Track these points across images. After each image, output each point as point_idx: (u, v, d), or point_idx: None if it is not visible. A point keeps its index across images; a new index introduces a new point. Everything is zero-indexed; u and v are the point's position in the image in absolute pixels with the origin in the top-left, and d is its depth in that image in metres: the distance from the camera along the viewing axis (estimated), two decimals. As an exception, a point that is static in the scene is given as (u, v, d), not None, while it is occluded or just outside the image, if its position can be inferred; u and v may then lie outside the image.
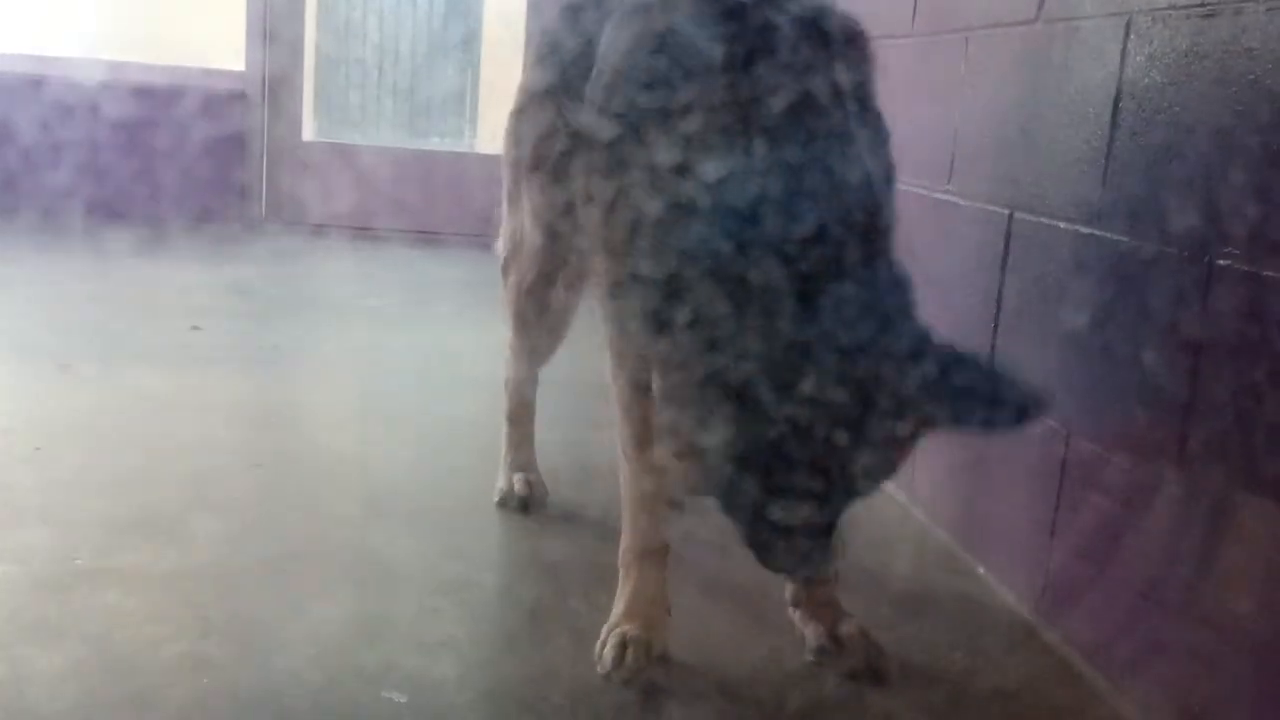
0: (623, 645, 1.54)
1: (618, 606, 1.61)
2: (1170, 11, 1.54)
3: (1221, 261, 1.40)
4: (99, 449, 2.25)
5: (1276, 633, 1.31)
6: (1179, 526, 1.48)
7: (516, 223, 2.01)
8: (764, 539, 1.38)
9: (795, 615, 1.66)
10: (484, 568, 1.87)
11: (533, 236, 1.95)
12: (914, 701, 1.56)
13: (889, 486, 2.32)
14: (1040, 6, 1.87)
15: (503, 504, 2.09)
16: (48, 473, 2.12)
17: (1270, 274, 1.33)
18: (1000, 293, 1.94)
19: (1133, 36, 1.61)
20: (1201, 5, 1.48)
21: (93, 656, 1.49)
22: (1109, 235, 1.65)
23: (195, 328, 3.24)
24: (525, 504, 2.09)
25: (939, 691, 1.60)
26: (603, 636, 1.57)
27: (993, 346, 1.95)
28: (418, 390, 2.55)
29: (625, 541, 1.65)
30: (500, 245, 2.08)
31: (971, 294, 2.02)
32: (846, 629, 1.62)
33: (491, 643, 1.65)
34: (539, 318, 2.03)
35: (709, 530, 2.01)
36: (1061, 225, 1.76)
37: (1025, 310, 1.89)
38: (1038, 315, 1.86)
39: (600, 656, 1.54)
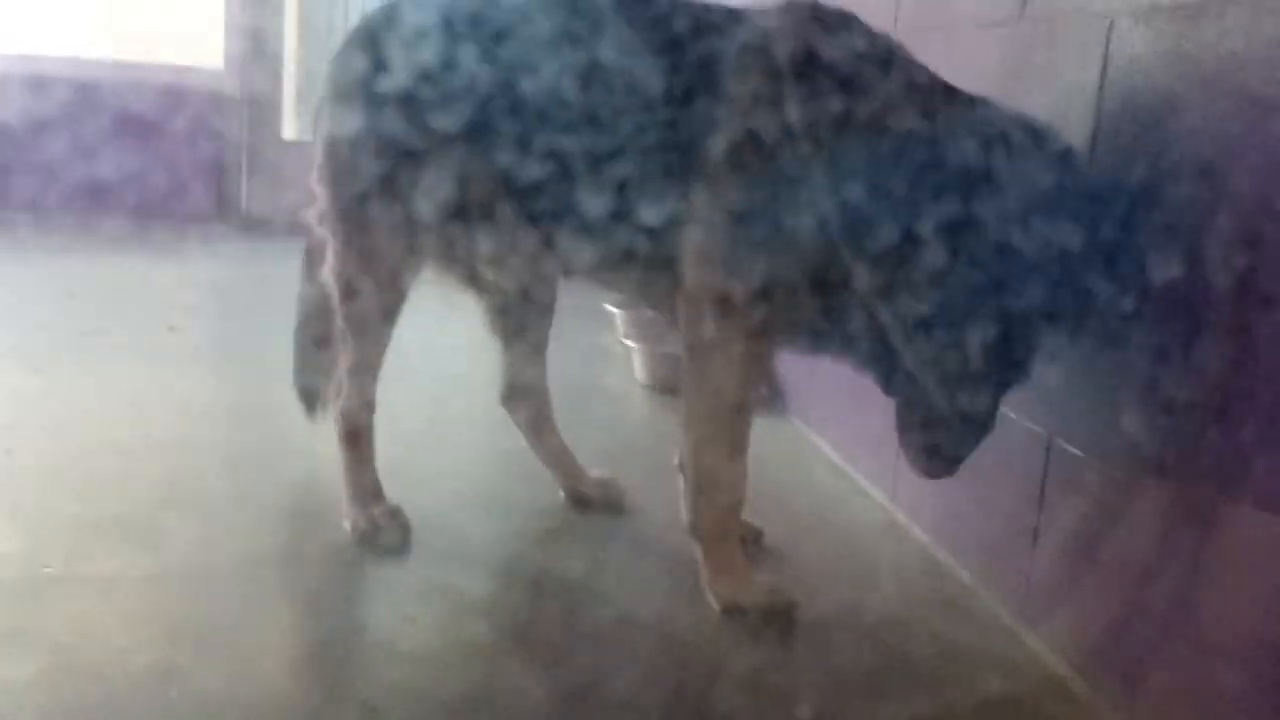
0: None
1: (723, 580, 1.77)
2: (1153, 12, 1.52)
3: (1206, 264, 1.39)
4: (72, 450, 2.22)
5: (1260, 638, 1.30)
6: (1162, 531, 1.47)
7: (361, 244, 1.90)
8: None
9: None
10: (463, 574, 1.85)
11: (392, 253, 1.89)
12: (899, 707, 1.55)
13: (873, 490, 2.32)
14: (1023, 6, 1.85)
15: (364, 544, 1.89)
16: (19, 475, 2.09)
17: (1255, 277, 1.32)
18: (983, 295, 1.92)
19: (1115, 37, 1.60)
20: (1184, 7, 1.46)
21: (61, 665, 1.46)
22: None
23: (171, 327, 3.21)
24: (394, 539, 1.90)
25: (923, 697, 1.58)
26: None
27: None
28: (397, 390, 2.51)
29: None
30: (330, 271, 1.95)
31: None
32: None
33: (469, 652, 1.62)
34: (387, 338, 1.97)
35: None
36: (1044, 227, 1.75)
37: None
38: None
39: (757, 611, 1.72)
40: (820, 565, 2.00)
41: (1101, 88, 1.62)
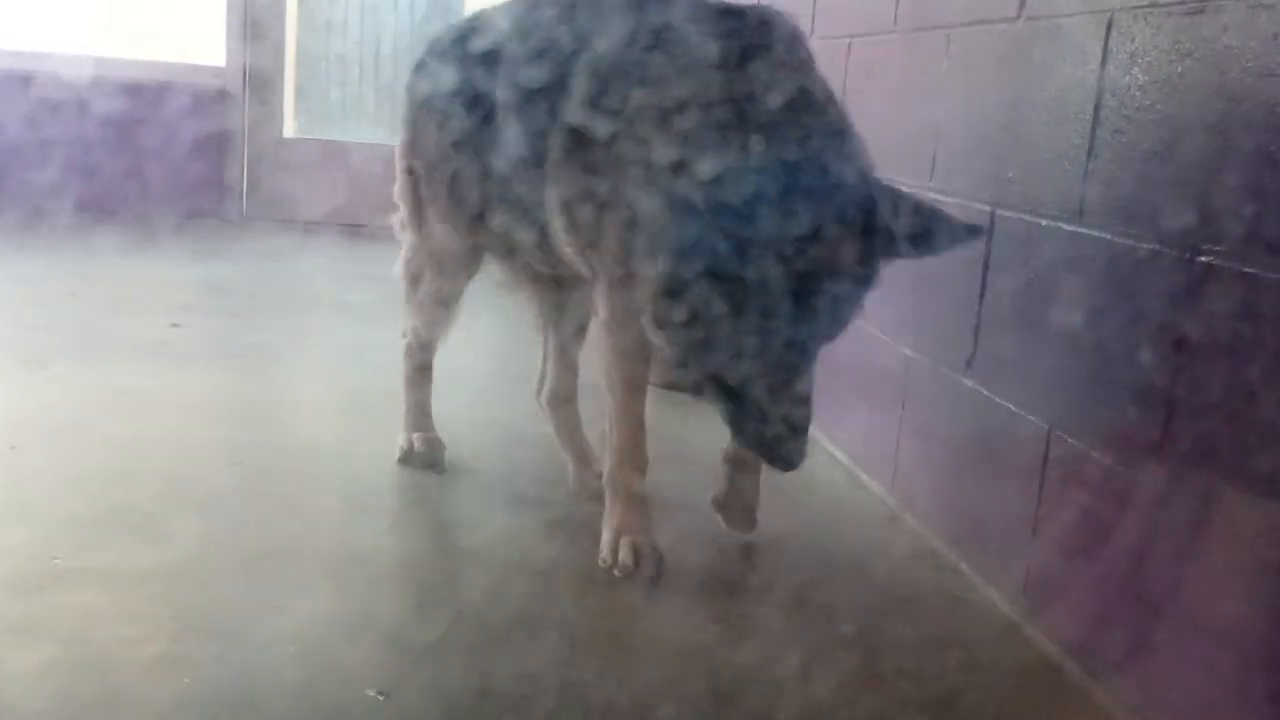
0: (634, 549, 1.82)
1: (611, 522, 1.85)
2: (1152, 9, 1.54)
3: (1204, 258, 1.40)
4: (76, 447, 2.23)
5: (1257, 627, 1.31)
6: (1161, 522, 1.49)
7: (426, 225, 2.19)
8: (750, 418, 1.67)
9: (724, 469, 2.00)
10: (469, 566, 1.86)
11: (444, 233, 2.15)
12: (899, 698, 1.56)
13: (873, 484, 2.33)
14: (1022, 4, 1.87)
15: (404, 461, 2.22)
16: (24, 471, 2.10)
17: (1253, 270, 1.33)
18: (983, 289, 1.94)
19: (1114, 34, 1.62)
20: (1183, 3, 1.48)
21: (70, 656, 1.47)
22: (1091, 232, 1.65)
23: (174, 325, 3.21)
24: (427, 461, 2.21)
25: (923, 688, 1.60)
26: (610, 545, 1.83)
27: (975, 343, 1.95)
28: (399, 386, 2.53)
29: (611, 463, 1.88)
30: (404, 250, 2.28)
31: (954, 290, 2.03)
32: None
33: (476, 642, 1.63)
34: (452, 306, 2.25)
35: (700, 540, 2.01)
36: (1044, 223, 1.77)
37: (1007, 307, 1.89)
38: (1020, 312, 1.86)
39: (618, 561, 1.81)
40: (819, 557, 2.01)
41: (1101, 85, 1.63)
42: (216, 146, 4.97)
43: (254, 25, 4.98)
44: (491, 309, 2.45)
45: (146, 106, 4.79)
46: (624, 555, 1.81)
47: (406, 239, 2.27)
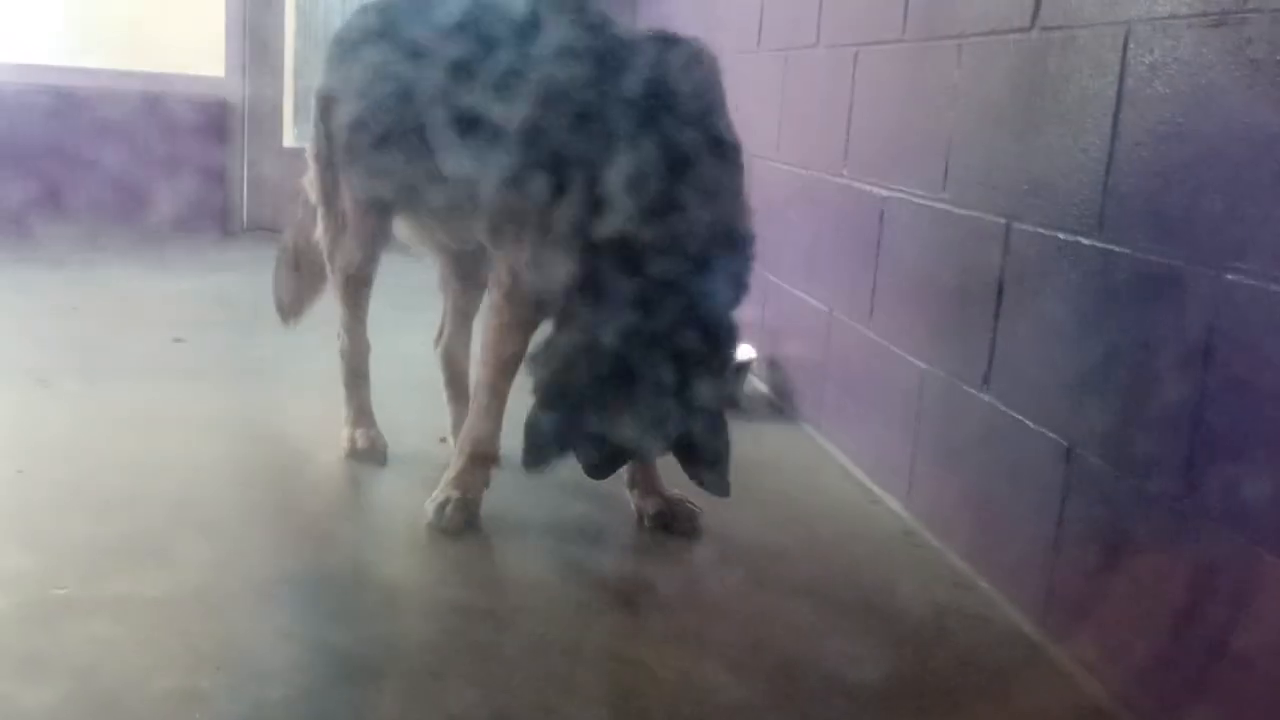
0: (445, 504, 1.95)
1: (449, 476, 2.00)
2: (1171, 20, 1.52)
3: (1229, 276, 1.38)
4: (82, 469, 2.21)
5: (1276, 648, 1.29)
6: (1181, 542, 1.46)
7: (335, 213, 2.27)
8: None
9: (631, 494, 2.09)
10: (485, 591, 1.84)
11: (355, 220, 2.23)
12: (920, 718, 1.54)
13: (886, 497, 2.31)
14: (1035, 15, 1.85)
15: (351, 456, 2.30)
16: (30, 495, 2.08)
17: (1275, 287, 1.31)
18: (998, 304, 1.92)
19: (1132, 45, 1.59)
20: (1204, 15, 1.46)
21: (80, 691, 1.45)
22: (1111, 247, 1.63)
23: (178, 340, 3.19)
24: (369, 455, 2.30)
25: (944, 707, 1.58)
26: (440, 501, 1.96)
27: (990, 357, 1.93)
28: (408, 401, 2.50)
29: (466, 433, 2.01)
30: (319, 234, 2.33)
31: (968, 305, 2.00)
32: (672, 496, 2.06)
33: (492, 671, 1.61)
34: (366, 293, 2.33)
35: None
36: (1061, 236, 1.75)
37: (1023, 321, 1.87)
38: (1036, 327, 1.84)
39: (445, 517, 1.94)
40: (833, 572, 1.99)
41: (1119, 97, 1.61)
42: (216, 157, 4.95)
43: (253, 35, 4.96)
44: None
45: (146, 117, 4.77)
46: (452, 513, 1.95)
47: (320, 210, 2.32)
